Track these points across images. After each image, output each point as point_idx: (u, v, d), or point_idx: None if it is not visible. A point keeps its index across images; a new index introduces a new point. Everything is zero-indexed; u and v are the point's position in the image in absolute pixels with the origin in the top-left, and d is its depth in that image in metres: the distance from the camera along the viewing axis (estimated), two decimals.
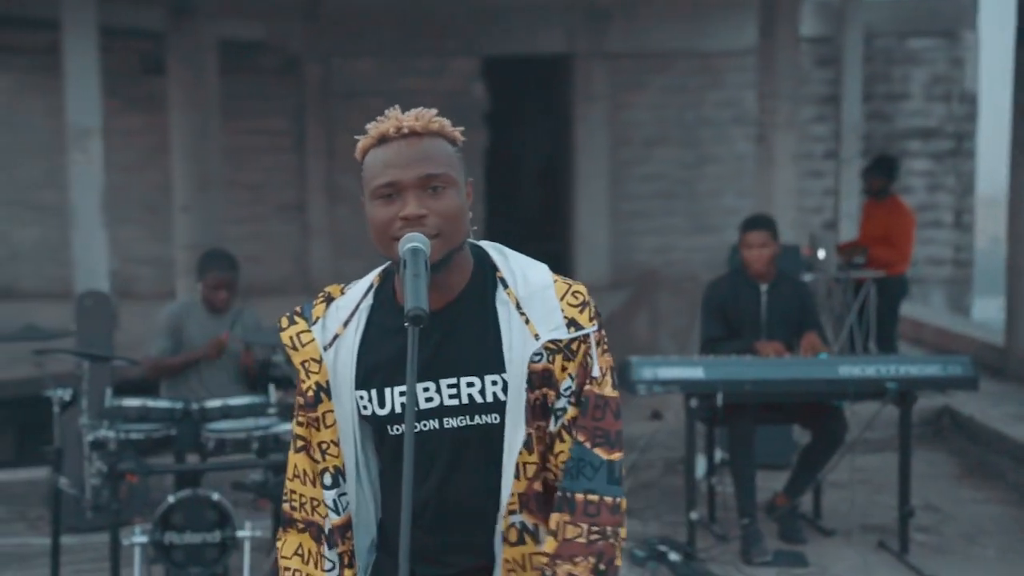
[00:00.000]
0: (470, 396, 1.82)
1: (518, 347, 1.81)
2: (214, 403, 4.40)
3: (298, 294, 12.12)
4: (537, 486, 1.85)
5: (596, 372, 1.86)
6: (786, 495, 5.06)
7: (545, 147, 15.34)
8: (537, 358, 1.80)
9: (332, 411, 1.86)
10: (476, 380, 1.81)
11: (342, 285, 1.95)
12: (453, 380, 1.82)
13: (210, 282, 4.86)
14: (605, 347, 1.90)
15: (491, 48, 13.19)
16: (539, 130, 15.18)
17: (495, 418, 1.82)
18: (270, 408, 4.43)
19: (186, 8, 8.50)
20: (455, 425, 1.83)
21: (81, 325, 5.37)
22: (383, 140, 1.83)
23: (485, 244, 1.94)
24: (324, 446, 1.88)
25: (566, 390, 1.83)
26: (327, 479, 1.89)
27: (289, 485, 1.94)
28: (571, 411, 1.84)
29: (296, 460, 1.93)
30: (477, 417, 1.83)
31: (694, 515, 4.81)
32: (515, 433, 1.81)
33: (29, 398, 5.41)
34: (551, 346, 1.80)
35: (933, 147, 13.93)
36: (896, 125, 13.87)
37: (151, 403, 4.34)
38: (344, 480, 1.89)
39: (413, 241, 1.76)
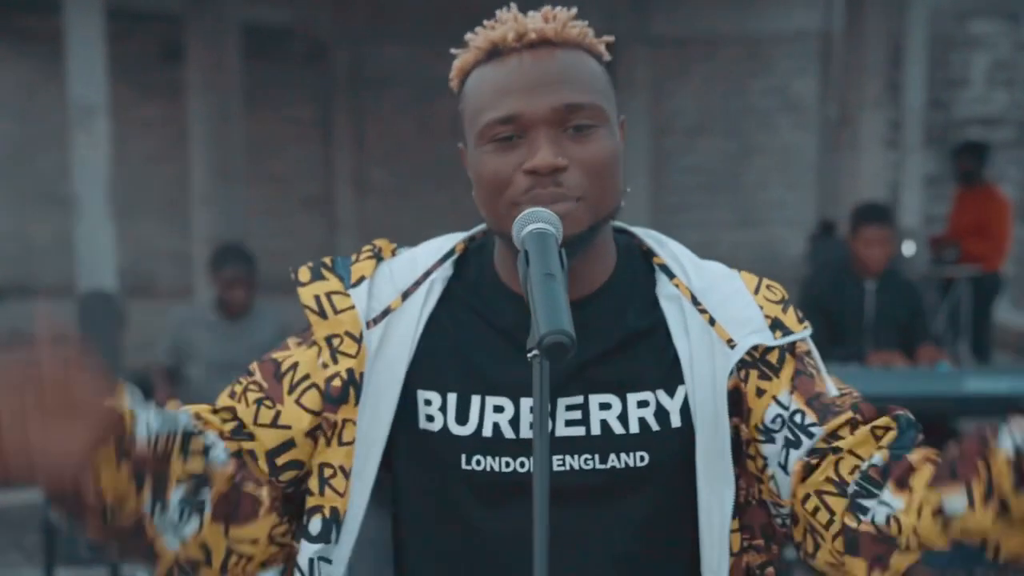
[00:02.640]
0: (604, 424, 1.21)
1: (703, 357, 1.24)
2: None
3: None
4: (751, 561, 1.25)
5: (832, 389, 1.27)
6: None
7: None
8: (730, 372, 1.24)
9: (353, 421, 1.22)
10: (615, 401, 1.20)
11: (394, 245, 1.32)
12: (577, 399, 1.21)
13: (223, 280, 4.29)
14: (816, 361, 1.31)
15: None
16: None
17: (644, 458, 1.20)
18: None
19: None
20: (573, 467, 1.21)
21: (84, 330, 4.75)
22: (495, 54, 1.20)
23: (630, 228, 1.34)
24: (328, 472, 1.22)
25: (775, 420, 1.23)
26: (314, 526, 1.22)
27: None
28: (798, 459, 1.21)
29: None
30: (617, 457, 1.21)
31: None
32: (716, 487, 1.19)
33: None
34: (745, 356, 1.25)
35: (995, 136, 13.20)
36: (955, 113, 13.18)
37: None
38: (339, 535, 1.21)
39: (537, 221, 1.14)
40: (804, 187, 12.85)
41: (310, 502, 1.24)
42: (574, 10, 1.24)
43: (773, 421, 1.22)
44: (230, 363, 4.22)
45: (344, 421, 1.24)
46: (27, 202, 12.93)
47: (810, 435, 1.21)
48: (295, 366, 1.27)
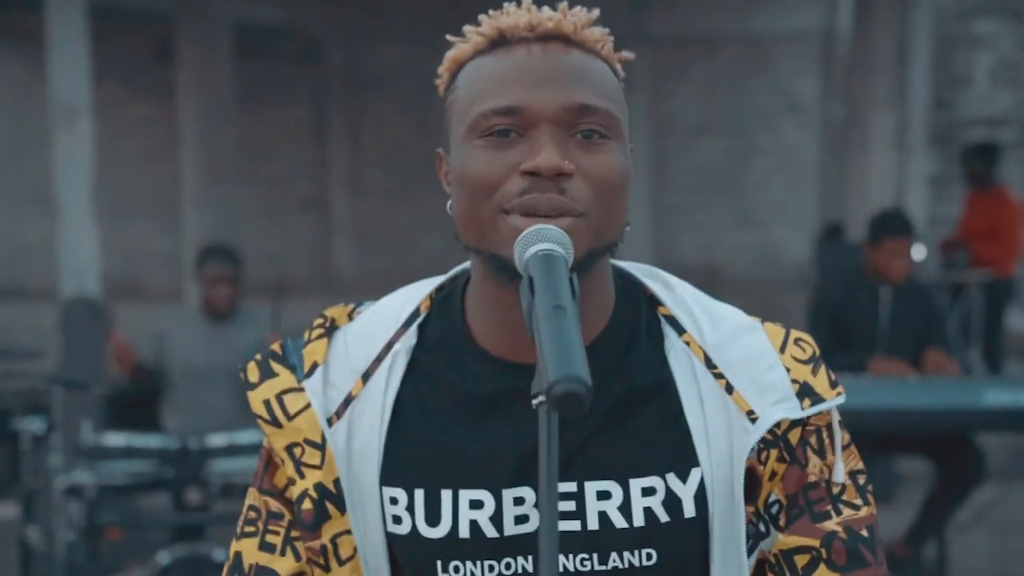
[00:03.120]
0: (603, 517, 1.02)
1: (719, 431, 1.04)
2: (218, 439, 3.59)
3: (320, 294, 11.48)
4: None
5: (839, 476, 1.08)
6: (907, 544, 4.25)
7: None
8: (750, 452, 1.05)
9: (349, 531, 1.04)
10: (615, 488, 1.03)
11: (351, 306, 1.13)
12: (570, 486, 1.02)
13: (207, 277, 4.16)
14: (847, 435, 1.10)
15: None
16: None
17: (652, 556, 1.03)
18: None
19: None
20: (568, 569, 1.03)
21: (66, 339, 4.57)
22: (500, 43, 1.02)
23: (626, 264, 1.13)
24: None
25: (773, 505, 1.07)
26: None
27: None
28: (775, 540, 1.07)
29: None
30: (619, 556, 1.03)
31: None
32: None
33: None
34: (766, 434, 1.05)
35: (999, 136, 13.05)
36: (957, 113, 13.02)
37: (140, 439, 3.53)
38: None
39: (543, 240, 0.95)
40: (806, 188, 12.71)
41: None
42: (596, 12, 1.06)
43: (773, 504, 1.06)
44: (212, 367, 4.07)
45: (335, 538, 1.06)
46: (17, 204, 12.77)
47: (770, 533, 1.06)
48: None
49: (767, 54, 12.86)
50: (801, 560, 1.05)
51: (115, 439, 3.50)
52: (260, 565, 1.10)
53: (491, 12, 1.06)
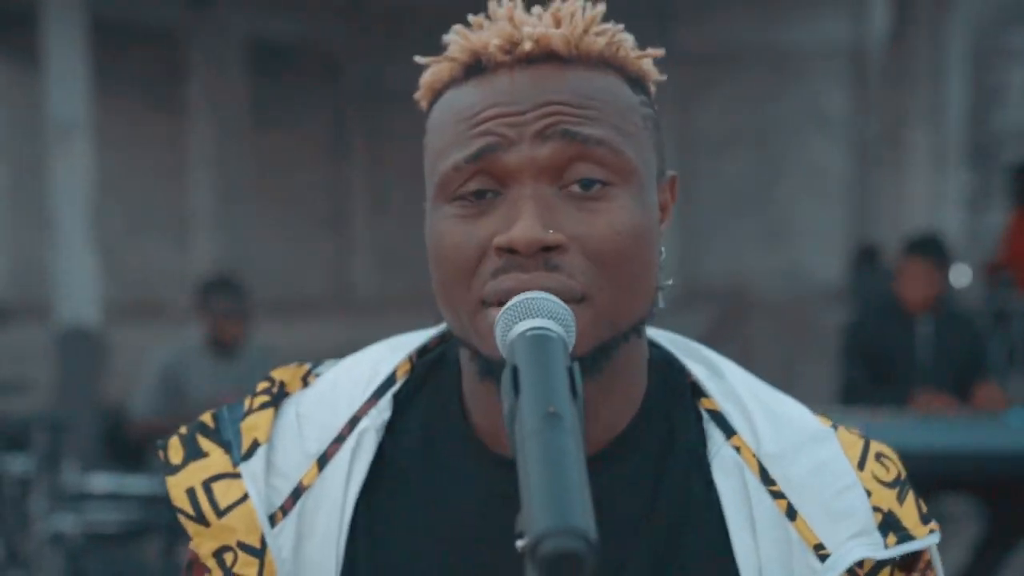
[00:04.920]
0: None
1: (777, 570, 0.78)
2: None
3: (337, 313, 11.34)
4: None
5: None
6: None
7: None
8: None
9: None
10: None
11: (307, 366, 0.89)
12: None
13: (215, 314, 3.95)
14: None
15: None
16: None
17: None
18: None
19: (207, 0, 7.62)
20: None
21: (63, 371, 4.34)
22: (476, 70, 0.77)
23: (667, 341, 0.85)
24: None
25: None
26: None
27: None
28: None
29: None
30: None
31: None
32: None
33: None
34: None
35: None
36: (991, 127, 12.78)
37: (128, 483, 3.29)
38: None
39: (533, 314, 0.71)
40: (835, 205, 12.49)
41: None
42: (600, 7, 0.79)
43: None
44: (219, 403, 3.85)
45: None
46: (38, 224, 12.68)
47: None
48: None
49: (796, 69, 12.69)
50: None
51: (101, 482, 3.27)
52: None
53: (472, 19, 0.81)
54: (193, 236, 8.27)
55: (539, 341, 0.67)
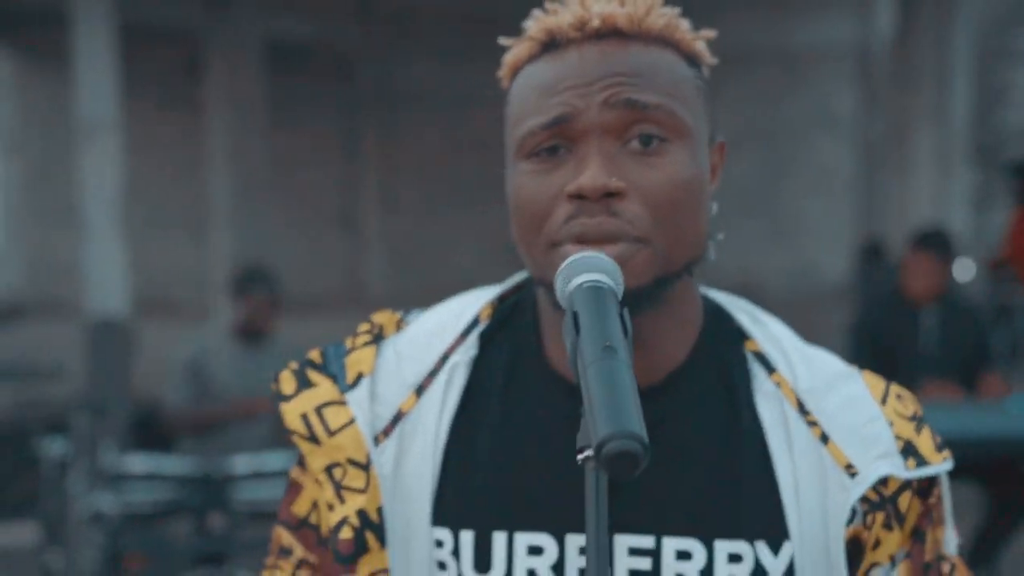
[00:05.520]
0: None
1: (812, 487, 0.90)
2: (243, 464, 3.49)
3: (349, 311, 11.40)
4: None
5: (951, 547, 0.96)
6: None
7: None
8: (846, 516, 0.91)
9: (385, 570, 0.92)
10: (698, 549, 0.90)
11: (399, 314, 0.99)
12: (647, 542, 0.88)
13: (252, 305, 4.08)
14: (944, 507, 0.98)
15: None
16: None
17: None
18: None
19: (226, 1, 7.74)
20: None
21: (93, 361, 4.48)
22: (552, 46, 0.89)
23: (716, 294, 1.02)
24: None
25: None
26: None
27: None
28: None
29: None
30: None
31: None
32: None
33: (16, 440, 4.54)
34: (872, 494, 0.91)
35: None
36: (995, 128, 12.83)
37: (163, 464, 3.44)
38: None
39: (588, 270, 0.83)
40: (841, 205, 12.54)
41: None
42: None
43: None
44: (247, 392, 3.99)
45: (375, 575, 0.93)
46: (52, 219, 12.80)
47: None
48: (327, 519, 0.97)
49: (802, 70, 12.72)
50: None
51: (137, 464, 3.41)
52: None
53: (547, 5, 0.94)
54: (210, 233, 8.39)
55: (594, 291, 0.80)
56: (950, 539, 0.96)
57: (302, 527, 0.99)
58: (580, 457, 0.74)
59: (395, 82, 12.71)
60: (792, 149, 13.00)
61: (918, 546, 0.93)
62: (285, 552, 1.00)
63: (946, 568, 0.95)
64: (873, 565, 0.92)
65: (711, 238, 0.93)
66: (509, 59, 0.95)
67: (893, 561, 0.92)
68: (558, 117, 0.87)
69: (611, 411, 0.71)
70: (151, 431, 4.14)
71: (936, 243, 4.11)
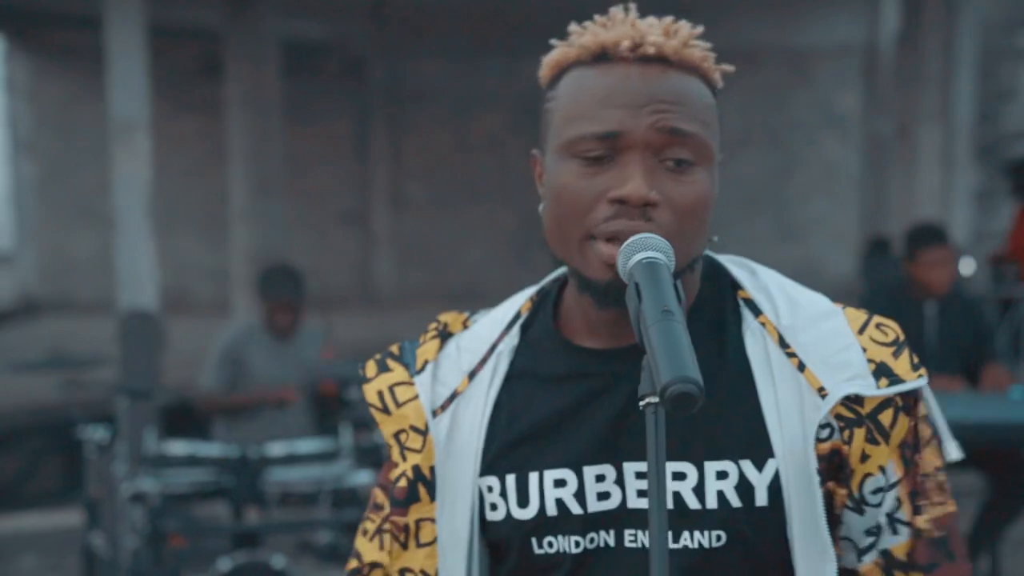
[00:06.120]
0: (677, 498, 1.07)
1: (791, 409, 1.06)
2: (277, 448, 3.65)
3: (360, 307, 11.52)
4: None
5: (952, 454, 1.13)
6: None
7: None
8: (824, 432, 1.06)
9: (432, 519, 1.11)
10: (691, 470, 1.06)
11: (465, 314, 1.20)
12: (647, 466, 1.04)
13: (276, 304, 4.20)
14: (930, 424, 1.11)
15: None
16: None
17: (721, 538, 1.06)
18: (343, 454, 3.67)
19: (246, 2, 7.89)
20: (646, 545, 1.06)
21: (124, 351, 4.65)
22: (602, 58, 1.05)
23: (721, 257, 1.17)
24: None
25: (875, 493, 1.08)
26: None
27: None
28: (900, 544, 1.08)
29: None
30: (690, 535, 1.07)
31: None
32: (814, 564, 1.05)
33: (59, 428, 4.70)
34: (846, 412, 1.06)
35: None
36: (1002, 127, 12.90)
37: (201, 448, 3.60)
38: None
39: (647, 250, 0.98)
40: (847, 202, 12.63)
41: None
42: (700, 28, 1.09)
43: (874, 493, 1.08)
44: (279, 382, 4.15)
45: (419, 521, 1.15)
46: (66, 218, 12.94)
47: (895, 532, 1.08)
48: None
49: (808, 68, 12.82)
50: (903, 546, 1.08)
51: (178, 448, 3.57)
52: (357, 548, 1.21)
53: (596, 19, 1.10)
54: (229, 230, 8.54)
55: (652, 266, 0.97)
56: (950, 451, 1.11)
57: (397, 491, 1.19)
58: (642, 403, 0.91)
59: (405, 82, 12.82)
60: (798, 147, 13.10)
61: (909, 469, 1.08)
62: (377, 507, 1.20)
63: (931, 484, 1.09)
64: (866, 476, 1.07)
65: (710, 239, 1.10)
66: (555, 57, 1.10)
67: (884, 471, 1.07)
68: (611, 132, 1.03)
69: (672, 361, 0.87)
70: (184, 418, 4.30)
71: (942, 235, 4.24)
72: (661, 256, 0.98)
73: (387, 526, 1.18)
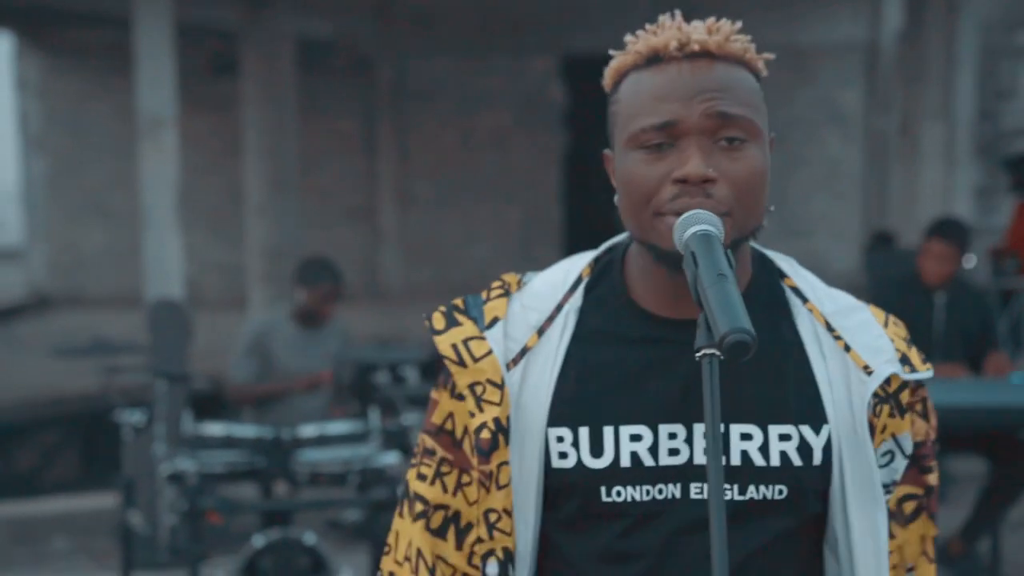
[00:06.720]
0: (745, 455, 1.20)
1: (840, 384, 1.23)
2: (308, 430, 3.80)
3: (367, 303, 11.63)
4: None
5: (932, 436, 1.32)
6: (962, 540, 4.35)
7: None
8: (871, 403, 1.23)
9: (507, 463, 1.23)
10: (756, 432, 1.21)
11: (518, 276, 1.32)
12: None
13: (319, 294, 4.34)
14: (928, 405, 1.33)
15: (571, 45, 12.62)
16: None
17: (783, 491, 1.21)
18: (371, 436, 3.82)
19: (263, 1, 8.02)
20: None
21: (154, 338, 4.80)
22: (655, 60, 1.20)
23: (760, 247, 1.32)
24: (493, 517, 1.25)
25: (884, 455, 1.25)
26: (491, 569, 1.25)
27: (393, 569, 1.30)
28: (902, 490, 1.28)
29: (409, 533, 1.29)
30: (756, 488, 1.20)
31: None
32: (869, 515, 1.22)
33: (93, 414, 4.86)
34: (879, 390, 1.23)
35: None
36: (1002, 124, 13.02)
37: (237, 430, 3.75)
38: (514, 570, 1.25)
39: (700, 223, 1.13)
40: (849, 199, 12.73)
41: (481, 548, 1.27)
42: (738, 24, 1.24)
43: (884, 455, 1.25)
44: (306, 370, 4.29)
45: (500, 466, 1.24)
46: (77, 214, 13.06)
47: (889, 491, 1.27)
48: (460, 426, 1.30)
49: (811, 66, 12.88)
50: (909, 506, 1.27)
51: (215, 429, 3.72)
52: (415, 491, 1.30)
53: (647, 27, 1.24)
54: (245, 226, 8.66)
55: (707, 236, 1.12)
56: (932, 442, 1.31)
57: (440, 433, 1.31)
58: (698, 355, 1.06)
59: (412, 79, 12.90)
60: (801, 145, 13.17)
61: (913, 428, 1.28)
62: (429, 452, 1.31)
63: (935, 449, 1.30)
64: (882, 443, 1.25)
65: (767, 210, 1.24)
66: (615, 65, 1.25)
67: (896, 440, 1.25)
68: (668, 122, 1.18)
69: (728, 315, 1.03)
70: (210, 403, 4.45)
71: (952, 232, 4.39)
72: (712, 228, 1.13)
73: (445, 468, 1.29)
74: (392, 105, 12.92)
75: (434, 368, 4.65)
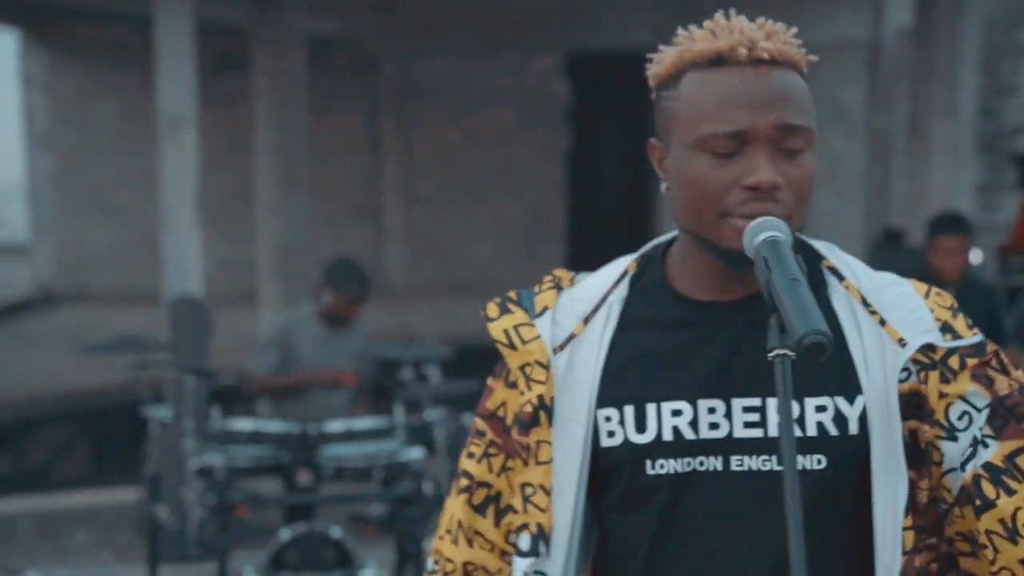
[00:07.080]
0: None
1: (875, 357, 1.27)
2: (334, 425, 3.86)
3: (372, 300, 11.64)
4: (922, 562, 1.28)
5: (1010, 385, 1.28)
6: None
7: (631, 148, 14.78)
8: (903, 375, 1.26)
9: (548, 442, 1.31)
10: (793, 403, 1.25)
11: (572, 274, 1.41)
12: (755, 401, 1.26)
13: (347, 298, 4.40)
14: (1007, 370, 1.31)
15: (575, 43, 12.68)
16: (625, 130, 14.62)
17: (821, 461, 1.25)
18: (396, 431, 3.88)
19: None
20: (752, 468, 1.26)
21: (176, 335, 4.86)
22: (718, 62, 1.24)
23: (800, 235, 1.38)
24: (529, 491, 1.32)
25: (961, 418, 1.26)
26: (523, 542, 1.32)
27: (436, 545, 1.40)
28: (994, 454, 1.24)
29: (452, 507, 1.39)
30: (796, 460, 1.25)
31: None
32: (890, 484, 1.24)
33: (103, 410, 4.92)
34: (922, 358, 1.27)
35: None
36: (1003, 122, 13.09)
37: (264, 425, 3.81)
38: (548, 548, 1.31)
39: (769, 229, 1.20)
40: (852, 197, 12.78)
41: (516, 520, 1.35)
42: (794, 29, 1.30)
43: (960, 418, 1.26)
44: (330, 368, 4.34)
45: (539, 443, 1.32)
46: (82, 211, 13.09)
47: (986, 445, 1.26)
48: (511, 414, 1.38)
49: (815, 64, 12.84)
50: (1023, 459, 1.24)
51: (243, 424, 3.78)
52: (463, 468, 1.40)
53: (705, 24, 1.29)
54: (249, 224, 8.69)
55: (775, 242, 1.19)
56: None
57: (492, 418, 1.40)
58: (771, 355, 1.12)
59: (416, 78, 12.93)
60: None
61: (990, 387, 1.27)
62: (480, 433, 1.40)
63: (1017, 398, 1.26)
64: (949, 406, 1.26)
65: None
66: (671, 60, 1.29)
67: (965, 400, 1.26)
68: (739, 131, 1.23)
69: (805, 318, 1.09)
70: (230, 398, 4.50)
71: (955, 224, 4.45)
72: (781, 235, 1.20)
73: (493, 450, 1.37)
74: (396, 103, 12.95)
75: (455, 366, 4.72)
